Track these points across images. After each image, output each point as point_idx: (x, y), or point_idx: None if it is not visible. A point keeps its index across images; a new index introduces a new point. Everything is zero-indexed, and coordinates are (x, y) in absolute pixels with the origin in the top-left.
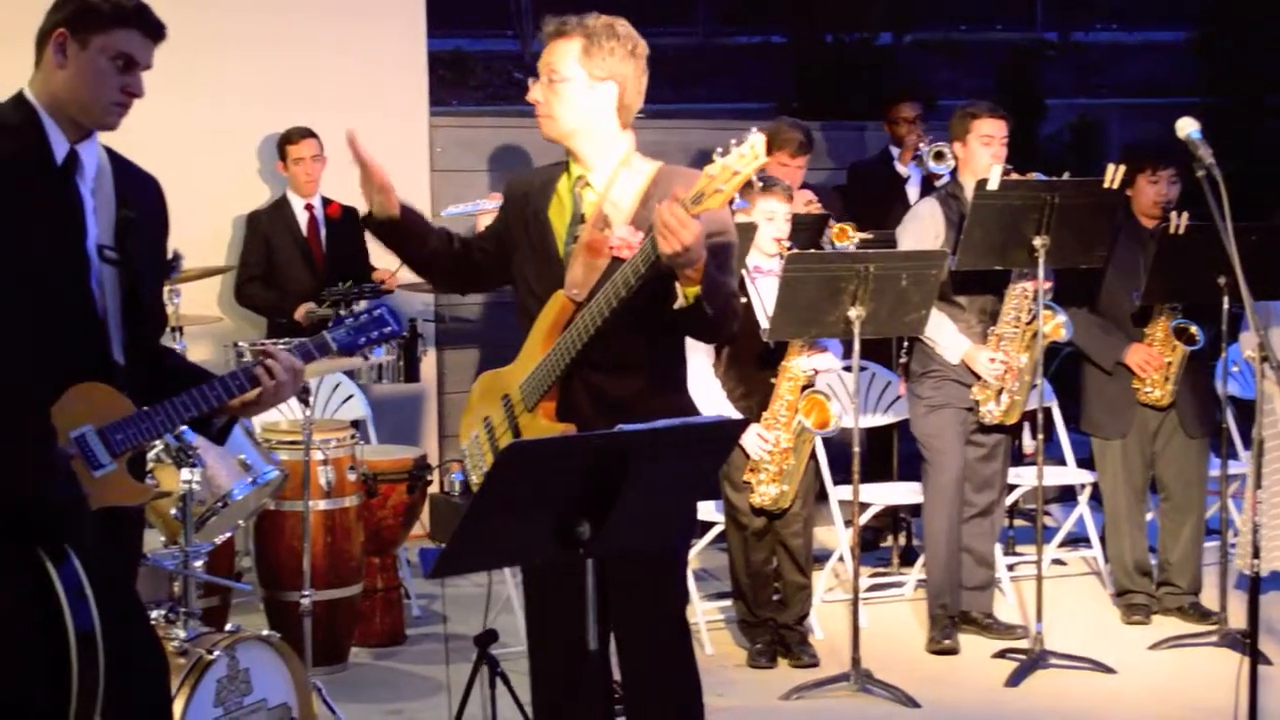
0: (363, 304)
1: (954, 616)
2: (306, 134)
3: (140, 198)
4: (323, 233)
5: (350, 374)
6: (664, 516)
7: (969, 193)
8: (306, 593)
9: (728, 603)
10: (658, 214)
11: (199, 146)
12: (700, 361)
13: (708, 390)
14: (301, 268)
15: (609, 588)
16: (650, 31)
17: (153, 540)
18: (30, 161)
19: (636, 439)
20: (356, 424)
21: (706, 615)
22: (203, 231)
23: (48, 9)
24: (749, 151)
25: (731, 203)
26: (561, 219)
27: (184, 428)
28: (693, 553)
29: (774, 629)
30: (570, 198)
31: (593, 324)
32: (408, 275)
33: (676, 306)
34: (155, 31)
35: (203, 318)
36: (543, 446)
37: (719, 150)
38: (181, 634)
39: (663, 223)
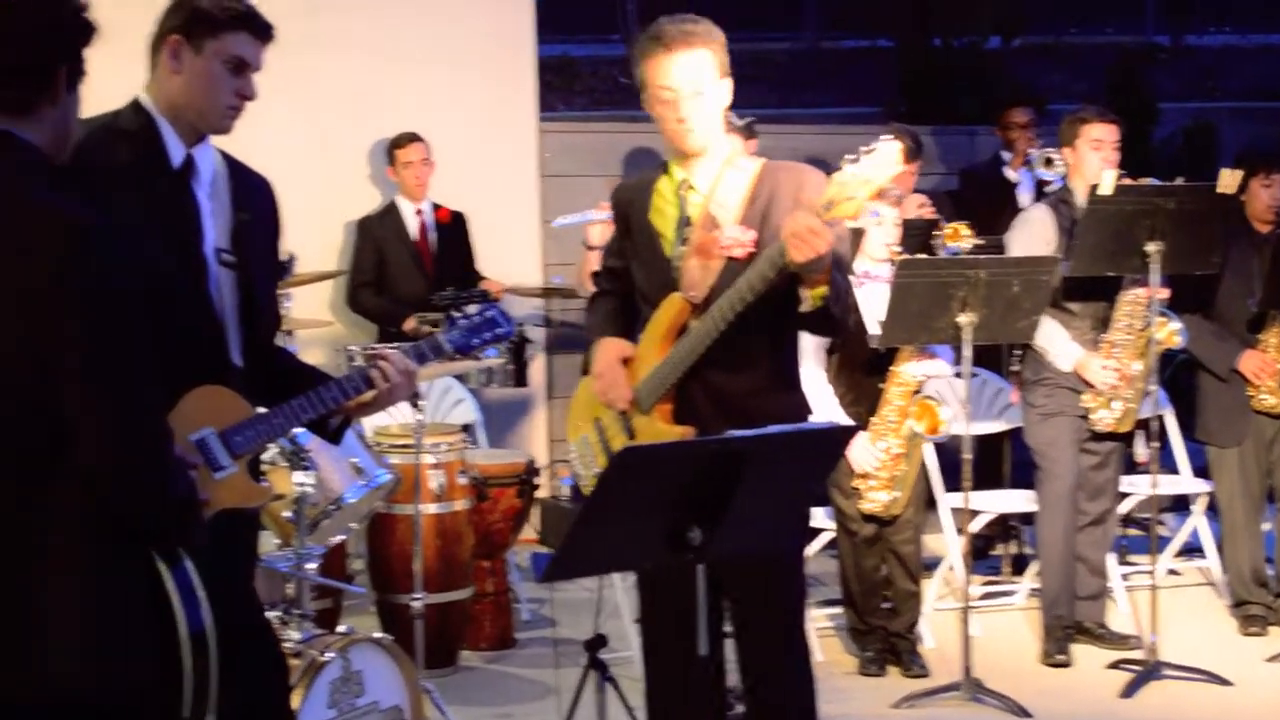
0: (473, 307)
1: (1069, 627)
2: (414, 138)
3: (254, 200)
4: (432, 237)
5: (460, 378)
6: (774, 521)
7: (1080, 198)
8: (418, 596)
9: (838, 610)
10: (790, 223)
11: (310, 152)
12: (812, 368)
13: (821, 397)
14: (413, 272)
15: (730, 591)
16: (757, 36)
17: (266, 542)
18: (148, 166)
19: (748, 444)
20: (467, 428)
21: (816, 622)
22: (314, 236)
23: (148, 9)
24: (882, 159)
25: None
26: (665, 222)
27: (297, 430)
28: None
29: (884, 637)
30: (675, 200)
31: (716, 328)
32: (514, 282)
33: (803, 310)
34: (265, 33)
35: (314, 322)
36: (655, 452)
37: (849, 157)
38: (295, 635)
39: (794, 232)
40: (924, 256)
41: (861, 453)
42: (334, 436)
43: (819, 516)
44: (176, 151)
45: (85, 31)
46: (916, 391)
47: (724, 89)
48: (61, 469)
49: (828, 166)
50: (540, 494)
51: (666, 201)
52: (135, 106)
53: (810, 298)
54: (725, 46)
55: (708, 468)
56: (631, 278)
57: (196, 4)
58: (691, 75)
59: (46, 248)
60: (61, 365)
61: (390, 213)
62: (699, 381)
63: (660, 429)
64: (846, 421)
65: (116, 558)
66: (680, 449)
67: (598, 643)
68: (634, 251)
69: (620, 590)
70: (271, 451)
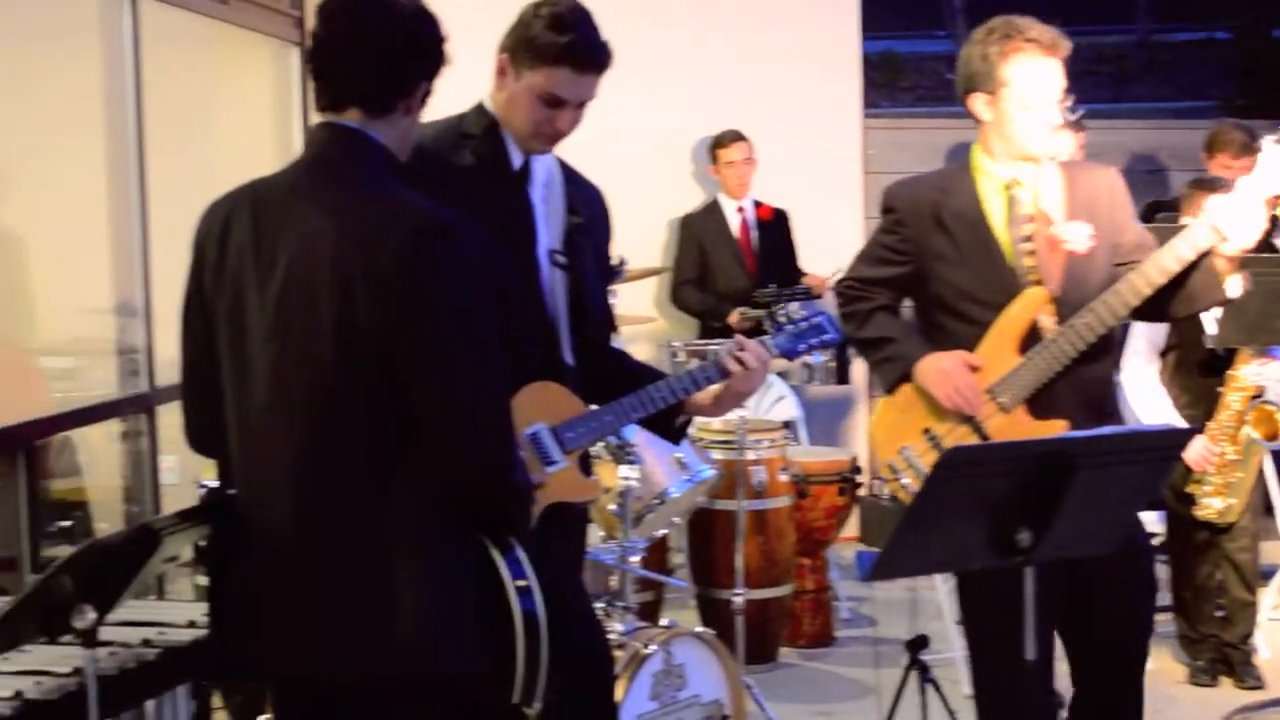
0: (795, 307)
1: None
2: (737, 137)
3: (587, 205)
4: (754, 234)
5: (782, 375)
6: (1105, 525)
7: None
8: (739, 591)
9: (1167, 616)
10: (1227, 209)
11: (637, 148)
12: (1144, 368)
13: (1155, 399)
14: (735, 269)
15: (1076, 594)
16: (1088, 30)
17: (591, 535)
18: (489, 168)
19: (1082, 446)
20: (788, 425)
21: None
22: (638, 233)
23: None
24: None
25: None
26: (996, 222)
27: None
28: None
29: (1216, 646)
30: (1005, 199)
31: (1115, 315)
32: (838, 279)
33: (1233, 296)
34: (593, 65)
35: (638, 318)
36: (983, 452)
37: (1271, 137)
38: (619, 628)
39: (1233, 217)
40: (1265, 255)
41: (1199, 454)
42: (676, 435)
43: (1150, 520)
44: (515, 156)
45: (443, 59)
46: (1256, 396)
47: None
48: (408, 455)
49: (1156, 162)
50: (861, 492)
51: (985, 201)
52: (480, 110)
53: (1226, 281)
54: None
55: (1039, 469)
56: (899, 285)
57: (528, 30)
58: (1060, 81)
59: (412, 244)
60: (419, 356)
61: (712, 210)
62: (1063, 375)
63: (1032, 426)
64: (1182, 424)
65: (456, 543)
66: (1010, 449)
67: (920, 643)
68: (952, 254)
69: (942, 591)
70: (597, 446)
